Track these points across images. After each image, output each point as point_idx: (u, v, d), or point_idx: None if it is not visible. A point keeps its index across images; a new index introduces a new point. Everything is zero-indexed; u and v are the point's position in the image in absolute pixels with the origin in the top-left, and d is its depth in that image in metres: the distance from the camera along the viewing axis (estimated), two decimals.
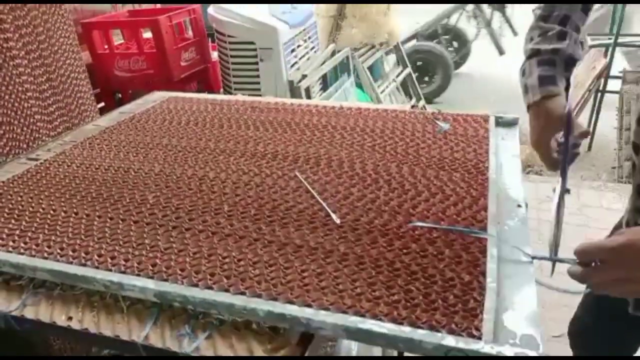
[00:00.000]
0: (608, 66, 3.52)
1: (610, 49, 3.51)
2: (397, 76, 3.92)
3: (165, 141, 1.22)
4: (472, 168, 1.02)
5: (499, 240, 0.79)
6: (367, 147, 1.14)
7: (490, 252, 0.76)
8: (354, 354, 1.32)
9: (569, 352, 1.77)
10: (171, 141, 1.22)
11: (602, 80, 3.60)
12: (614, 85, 3.54)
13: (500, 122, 1.25)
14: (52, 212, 0.93)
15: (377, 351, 1.50)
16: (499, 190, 0.95)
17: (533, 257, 0.77)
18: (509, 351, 0.59)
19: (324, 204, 0.91)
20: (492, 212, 0.86)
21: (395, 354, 1.67)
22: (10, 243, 0.83)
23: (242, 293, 0.69)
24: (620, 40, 3.45)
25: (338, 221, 0.86)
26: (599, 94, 3.63)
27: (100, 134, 1.29)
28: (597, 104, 3.65)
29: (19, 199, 0.98)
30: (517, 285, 0.72)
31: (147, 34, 2.43)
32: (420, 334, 0.61)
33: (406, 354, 1.68)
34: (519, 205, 0.92)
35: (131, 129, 1.31)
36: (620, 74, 3.44)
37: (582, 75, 3.66)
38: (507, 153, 1.12)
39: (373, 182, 0.99)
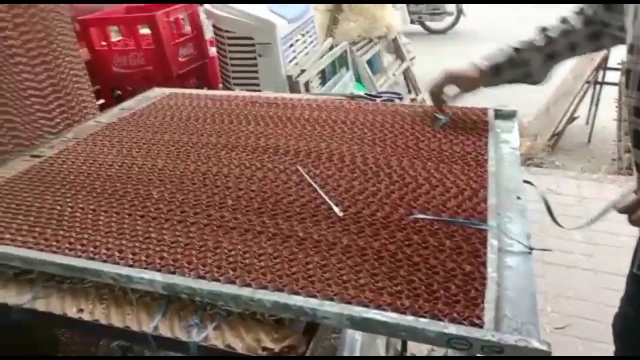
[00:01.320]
0: (606, 58, 3.54)
1: None
2: (397, 70, 3.93)
3: (167, 137, 1.23)
4: (471, 160, 1.04)
5: (499, 232, 0.81)
6: (367, 140, 1.16)
7: (490, 243, 0.77)
8: (358, 345, 1.34)
9: (572, 344, 1.80)
10: (173, 137, 1.23)
11: (601, 72, 3.62)
12: (612, 77, 3.56)
13: (499, 115, 1.27)
14: (58, 207, 0.94)
15: (380, 343, 1.52)
16: (498, 182, 0.97)
17: (531, 249, 0.79)
18: (510, 339, 0.61)
19: (326, 197, 0.92)
20: (492, 204, 0.88)
21: (398, 346, 1.70)
22: (19, 238, 0.85)
23: (249, 285, 0.71)
24: None
25: (340, 214, 0.88)
26: (598, 86, 3.65)
27: (102, 130, 1.30)
28: (595, 96, 3.67)
29: (25, 195, 1.00)
30: (517, 275, 0.74)
31: (145, 30, 2.44)
32: (423, 323, 0.63)
33: (407, 354, 1.71)
34: (519, 197, 0.94)
35: (132, 125, 1.32)
36: (619, 66, 3.45)
37: (581, 67, 3.68)
38: (507, 145, 1.14)
39: (374, 175, 1.00)
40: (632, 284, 1.08)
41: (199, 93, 1.59)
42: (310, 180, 0.99)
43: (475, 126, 1.19)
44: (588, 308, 1.95)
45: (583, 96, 3.58)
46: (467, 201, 0.89)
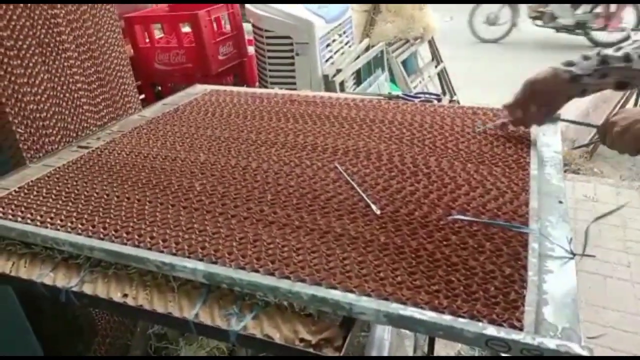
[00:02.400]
0: None
1: None
2: (432, 71, 3.89)
3: (208, 132, 1.26)
4: (512, 163, 1.02)
5: (540, 235, 0.80)
6: (405, 140, 1.15)
7: (531, 247, 0.76)
8: (386, 345, 1.34)
9: (606, 353, 1.74)
10: (214, 132, 1.26)
11: None
12: None
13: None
14: (105, 196, 0.98)
15: (409, 344, 1.51)
16: (540, 185, 0.95)
17: (574, 254, 0.77)
18: (550, 343, 0.60)
19: (364, 195, 0.93)
20: (533, 207, 0.86)
21: (425, 349, 1.68)
22: (69, 224, 0.89)
23: (287, 277, 0.72)
24: None
25: (378, 212, 0.88)
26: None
27: (146, 124, 1.35)
28: (637, 104, 3.53)
29: (74, 183, 1.04)
30: (558, 280, 0.73)
31: (186, 29, 2.50)
32: (462, 323, 0.63)
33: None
34: (560, 202, 0.92)
35: (176, 120, 1.36)
36: None
37: None
38: (549, 149, 1.11)
39: (412, 174, 1.00)
40: None
41: (239, 90, 1.62)
42: (348, 178, 0.99)
43: (517, 128, 1.17)
44: (624, 319, 1.88)
45: (625, 103, 3.46)
46: (508, 204, 0.88)
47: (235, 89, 1.64)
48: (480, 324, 0.63)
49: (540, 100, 1.05)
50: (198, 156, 1.13)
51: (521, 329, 0.62)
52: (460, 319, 0.64)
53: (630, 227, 2.39)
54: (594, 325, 1.89)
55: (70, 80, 1.52)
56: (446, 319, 0.64)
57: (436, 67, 3.99)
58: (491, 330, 0.62)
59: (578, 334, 0.64)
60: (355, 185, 0.96)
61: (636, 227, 2.39)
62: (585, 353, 0.59)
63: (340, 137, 1.19)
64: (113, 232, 0.85)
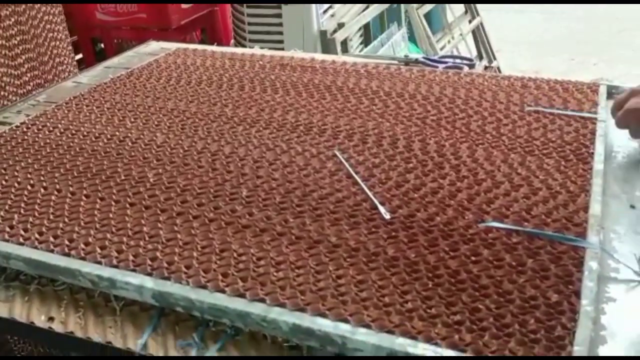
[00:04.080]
0: None
1: None
2: (465, 28, 3.85)
3: (170, 105, 1.27)
4: (570, 154, 1.02)
5: (602, 252, 0.79)
6: (430, 121, 1.15)
7: (588, 266, 0.76)
8: None
9: None
10: (178, 105, 1.26)
11: None
12: None
13: (615, 95, 1.23)
14: (29, 187, 0.99)
15: None
16: (606, 185, 0.95)
17: None
18: None
19: (370, 194, 0.93)
20: (594, 214, 0.86)
21: None
22: None
23: (262, 300, 0.72)
24: None
25: (387, 216, 0.88)
26: None
27: (89, 93, 1.35)
28: None
29: None
30: (621, 310, 0.72)
31: None
32: None
33: None
34: (632, 206, 0.92)
35: (128, 88, 1.36)
36: None
37: None
38: (621, 136, 1.10)
39: (436, 167, 1.00)
40: None
41: (214, 50, 1.61)
42: (351, 170, 0.99)
43: (581, 108, 1.16)
44: None
45: None
46: (561, 208, 0.88)
47: (208, 48, 1.63)
48: None
49: None
50: (154, 136, 1.13)
51: None
52: None
53: None
54: None
55: None
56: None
57: (470, 22, 3.95)
58: None
59: None
60: (359, 180, 0.96)
61: None
62: None
63: (343, 115, 1.19)
64: (36, 236, 0.86)
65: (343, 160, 1.02)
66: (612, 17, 5.60)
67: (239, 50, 1.65)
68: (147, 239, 0.84)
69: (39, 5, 1.65)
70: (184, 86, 1.36)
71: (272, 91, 1.31)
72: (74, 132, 1.17)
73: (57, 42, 1.74)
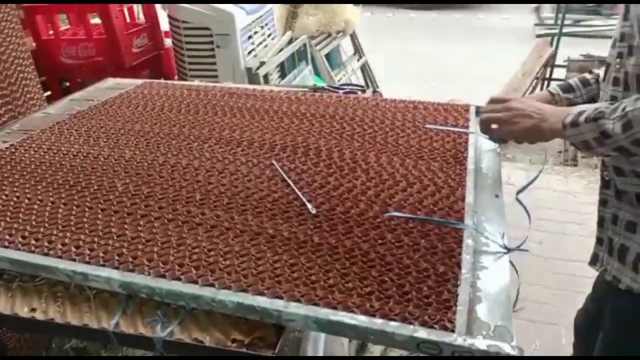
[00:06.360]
0: (554, 55, 3.72)
1: (556, 38, 3.76)
2: (355, 65, 3.91)
3: (137, 127, 1.19)
4: (450, 158, 1.01)
5: (475, 231, 0.79)
6: (346, 135, 1.13)
7: (466, 243, 0.75)
8: (322, 337, 1.31)
9: (524, 327, 1.80)
10: (144, 127, 1.19)
11: (549, 69, 3.78)
12: (559, 73, 3.71)
13: (481, 113, 1.25)
14: (15, 199, 0.90)
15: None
16: (477, 180, 0.95)
17: (507, 249, 0.77)
18: (481, 344, 0.59)
19: (299, 193, 0.89)
20: (469, 202, 0.85)
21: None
22: None
23: (211, 284, 0.67)
24: (564, 30, 3.73)
25: (313, 211, 0.85)
26: (546, 82, 3.78)
27: (69, 119, 1.25)
28: None
29: None
30: (491, 276, 0.72)
31: (96, 20, 2.35)
32: (393, 326, 0.61)
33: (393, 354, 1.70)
34: (497, 196, 0.92)
35: (103, 114, 1.27)
36: (565, 63, 3.58)
37: (530, 64, 3.81)
38: (487, 143, 1.11)
39: (350, 171, 0.98)
40: (597, 283, 1.08)
41: (175, 83, 1.54)
42: (284, 175, 0.95)
43: (456, 123, 1.17)
44: (539, 292, 1.99)
45: (532, 91, 3.66)
46: (444, 199, 0.87)
47: (171, 82, 1.56)
48: (411, 326, 0.61)
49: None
50: (123, 153, 1.05)
51: (453, 330, 0.61)
52: (392, 323, 0.61)
53: (540, 207, 2.53)
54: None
55: None
56: (377, 322, 0.61)
57: (358, 60, 4.02)
58: (422, 333, 0.60)
59: (510, 332, 0.63)
60: (291, 183, 0.93)
61: (546, 206, 2.54)
62: (514, 353, 0.58)
63: (278, 132, 1.15)
64: (20, 239, 0.78)
65: (278, 168, 0.98)
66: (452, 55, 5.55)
67: (195, 82, 1.58)
68: (115, 238, 0.78)
69: (9, 49, 1.51)
70: (150, 112, 1.28)
71: (222, 114, 1.26)
72: (55, 151, 1.07)
73: (28, 81, 1.59)
